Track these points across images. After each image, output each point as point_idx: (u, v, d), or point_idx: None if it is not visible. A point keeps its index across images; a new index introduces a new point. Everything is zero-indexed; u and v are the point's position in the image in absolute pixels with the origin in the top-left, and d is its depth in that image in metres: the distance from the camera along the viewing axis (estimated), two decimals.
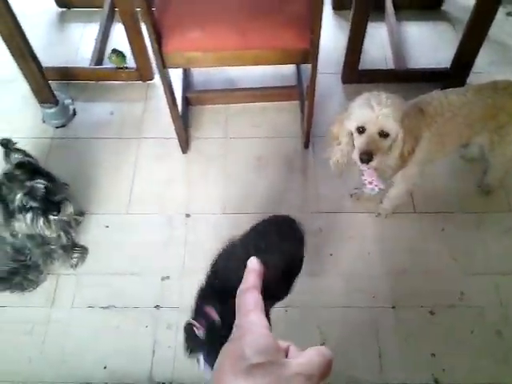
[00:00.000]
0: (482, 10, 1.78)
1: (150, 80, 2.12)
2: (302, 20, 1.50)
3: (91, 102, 2.10)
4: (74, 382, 1.48)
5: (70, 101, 2.04)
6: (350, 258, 1.69)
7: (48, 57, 2.02)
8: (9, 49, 1.73)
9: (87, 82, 2.14)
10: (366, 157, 1.23)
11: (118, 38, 2.25)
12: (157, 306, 1.60)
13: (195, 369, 0.85)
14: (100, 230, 1.76)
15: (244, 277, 0.46)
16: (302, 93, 2.03)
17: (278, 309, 1.56)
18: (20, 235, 1.38)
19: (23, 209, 1.28)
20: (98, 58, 2.15)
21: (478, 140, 1.57)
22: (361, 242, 1.72)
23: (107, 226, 1.77)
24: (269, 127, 2.01)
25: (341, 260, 1.69)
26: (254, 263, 0.47)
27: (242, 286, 0.45)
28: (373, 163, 1.25)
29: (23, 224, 1.28)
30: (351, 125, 1.28)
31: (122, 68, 2.07)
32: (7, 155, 1.31)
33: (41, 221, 1.29)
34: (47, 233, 1.35)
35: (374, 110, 1.21)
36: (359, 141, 1.26)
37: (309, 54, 1.51)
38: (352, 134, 1.31)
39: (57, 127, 2.00)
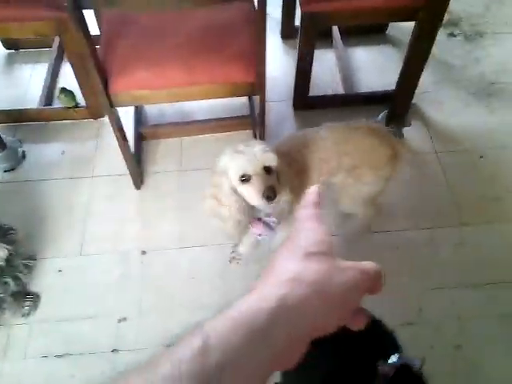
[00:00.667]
0: (422, 33, 1.84)
1: (101, 117, 2.10)
2: (248, 54, 1.52)
3: (41, 142, 2.07)
4: None
5: (18, 143, 2.00)
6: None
7: None
8: None
9: (37, 123, 2.11)
10: (272, 192, 1.11)
11: (68, 77, 2.24)
12: (114, 350, 1.55)
13: None
14: (53, 275, 1.71)
15: (304, 198, 0.47)
16: (255, 122, 2.05)
17: None
18: None
19: None
20: (48, 97, 2.13)
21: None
22: None
23: (60, 270, 1.72)
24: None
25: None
26: (313, 188, 0.48)
27: (301, 204, 0.46)
28: (280, 197, 1.17)
29: None
30: (233, 179, 1.17)
31: (71, 107, 2.05)
32: None
33: None
34: None
35: (248, 153, 1.14)
36: (251, 187, 1.14)
37: (256, 87, 1.53)
38: (235, 191, 1.19)
39: (5, 171, 1.95)
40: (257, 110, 2.07)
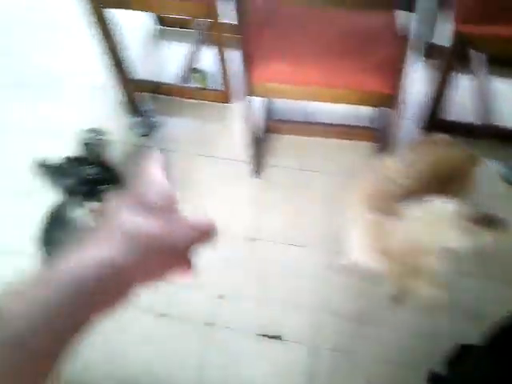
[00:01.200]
0: None
1: (232, 103, 2.19)
2: (388, 65, 1.51)
3: (174, 116, 2.19)
4: (118, 381, 1.51)
5: (154, 113, 2.13)
6: (411, 313, 1.63)
7: (140, 69, 2.13)
8: (108, 59, 1.85)
9: (172, 98, 2.24)
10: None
11: (206, 59, 2.35)
12: (209, 324, 1.62)
13: None
14: None
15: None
16: (380, 135, 2.02)
17: (324, 350, 1.53)
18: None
19: (72, 193, 1.36)
20: (185, 76, 2.25)
21: None
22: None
23: None
24: (343, 165, 2.01)
25: (401, 315, 1.63)
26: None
27: (149, 158, 0.48)
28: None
29: (76, 209, 1.34)
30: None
31: (204, 88, 2.15)
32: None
33: (79, 206, 1.35)
34: (87, 219, 1.38)
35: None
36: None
37: (391, 100, 1.52)
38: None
39: (142, 135, 2.10)
40: (384, 124, 2.06)
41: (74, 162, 1.37)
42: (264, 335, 1.59)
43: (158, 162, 0.47)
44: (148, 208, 0.40)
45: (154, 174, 0.44)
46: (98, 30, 1.75)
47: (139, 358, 1.56)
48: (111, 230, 0.38)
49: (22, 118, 2.21)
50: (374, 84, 1.52)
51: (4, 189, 1.95)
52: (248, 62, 1.52)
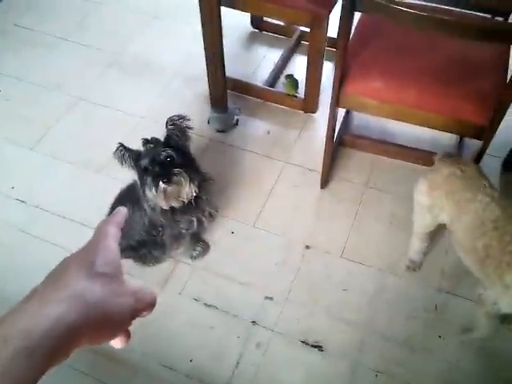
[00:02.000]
0: None
1: (313, 113, 2.22)
2: (486, 96, 1.47)
3: (253, 117, 2.26)
4: (158, 363, 1.58)
5: (237, 111, 2.22)
6: (459, 345, 1.58)
7: (230, 67, 2.22)
8: (205, 53, 1.96)
9: (256, 99, 2.31)
10: None
11: (295, 67, 2.41)
12: (253, 322, 1.65)
13: None
14: (225, 234, 1.87)
15: (111, 215, 0.52)
16: None
17: (366, 370, 1.51)
18: (157, 209, 1.52)
19: (145, 172, 1.40)
20: (273, 80, 2.32)
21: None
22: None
23: (232, 232, 1.87)
24: (412, 189, 1.97)
25: (449, 346, 1.58)
26: (122, 209, 0.52)
27: (107, 219, 0.50)
28: None
29: (147, 189, 1.39)
30: None
31: (290, 95, 2.20)
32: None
33: (153, 188, 1.37)
34: (157, 200, 1.41)
35: None
36: None
37: (483, 132, 1.48)
38: None
39: (218, 131, 2.18)
40: (466, 154, 2.00)
41: (150, 143, 1.44)
42: (305, 342, 1.60)
43: (120, 218, 0.51)
44: (96, 273, 0.42)
45: (108, 237, 0.47)
46: (205, 22, 1.84)
47: (180, 343, 1.62)
48: (63, 289, 0.40)
49: (109, 96, 2.38)
50: (469, 112, 1.49)
51: (83, 163, 2.11)
52: (342, 71, 1.54)
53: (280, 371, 1.56)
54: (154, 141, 1.45)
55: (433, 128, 1.64)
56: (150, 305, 0.47)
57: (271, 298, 1.70)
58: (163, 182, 1.37)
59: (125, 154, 1.41)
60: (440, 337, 1.60)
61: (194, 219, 1.63)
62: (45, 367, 0.36)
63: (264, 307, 1.69)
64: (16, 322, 0.37)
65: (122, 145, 1.41)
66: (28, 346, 0.35)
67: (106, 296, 0.42)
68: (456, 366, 1.54)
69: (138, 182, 1.46)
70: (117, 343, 0.46)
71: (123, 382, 1.57)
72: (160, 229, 1.64)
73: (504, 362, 1.55)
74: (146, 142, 1.44)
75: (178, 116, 1.46)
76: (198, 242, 1.79)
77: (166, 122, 1.46)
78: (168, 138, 1.45)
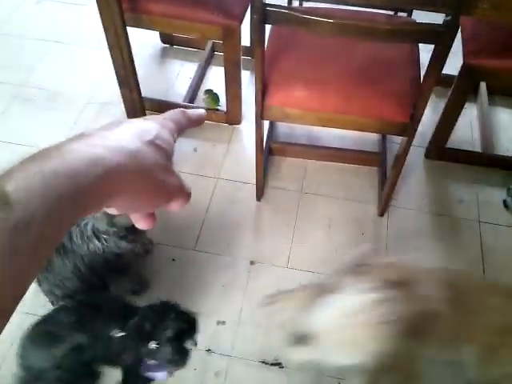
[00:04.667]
0: None
1: (237, 124, 2.19)
2: (405, 94, 1.51)
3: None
4: None
5: None
6: None
7: (146, 87, 2.13)
8: (117, 75, 1.86)
9: None
10: None
11: (212, 80, 2.36)
12: (208, 350, 1.58)
13: None
14: (166, 262, 1.78)
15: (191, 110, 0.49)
16: (384, 161, 2.03)
17: (329, 379, 1.50)
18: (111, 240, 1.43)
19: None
20: (192, 96, 2.25)
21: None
22: None
23: (173, 260, 1.79)
24: (345, 189, 2.01)
25: None
26: (202, 111, 0.50)
27: (186, 111, 0.49)
28: None
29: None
30: None
31: (212, 109, 2.15)
32: None
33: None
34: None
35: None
36: None
37: (406, 128, 1.52)
38: None
39: None
40: (388, 150, 2.07)
41: None
42: (264, 362, 1.56)
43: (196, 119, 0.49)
44: (153, 142, 0.40)
45: (176, 123, 0.46)
46: (112, 45, 1.74)
47: None
48: (115, 141, 0.37)
49: (15, 133, 2.19)
50: (391, 112, 1.52)
51: None
52: (263, 84, 1.52)
53: None
54: None
55: (358, 130, 1.66)
56: (188, 196, 0.45)
57: (223, 323, 1.65)
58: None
59: None
60: None
61: (138, 245, 1.54)
62: (76, 211, 0.33)
63: (217, 333, 1.63)
64: (65, 158, 0.34)
65: None
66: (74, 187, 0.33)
67: (156, 165, 0.39)
68: None
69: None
70: (142, 223, 0.44)
71: None
72: (100, 271, 1.52)
73: None
74: None
75: None
76: (137, 279, 1.69)
77: None
78: None
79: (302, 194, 1.99)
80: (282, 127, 2.20)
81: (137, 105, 1.97)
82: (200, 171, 2.05)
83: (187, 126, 0.48)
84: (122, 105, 2.01)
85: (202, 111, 0.50)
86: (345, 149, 2.08)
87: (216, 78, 2.33)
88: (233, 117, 2.16)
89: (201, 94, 2.22)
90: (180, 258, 1.80)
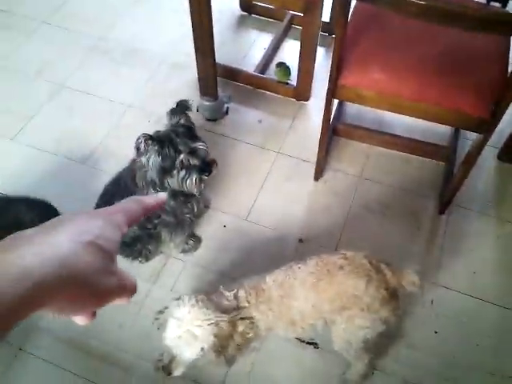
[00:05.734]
0: None
1: (305, 101, 2.16)
2: (488, 88, 1.43)
3: (244, 105, 2.19)
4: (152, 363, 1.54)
5: (227, 99, 2.14)
6: (455, 341, 1.57)
7: (220, 53, 2.13)
8: (194, 40, 1.87)
9: (246, 86, 2.23)
10: None
11: (286, 53, 2.33)
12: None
13: None
14: (217, 227, 1.82)
15: (148, 196, 0.49)
16: (452, 157, 1.94)
17: None
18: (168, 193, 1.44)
19: (184, 166, 1.36)
20: (263, 67, 2.24)
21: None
22: (472, 329, 1.59)
23: (225, 226, 1.82)
24: (406, 180, 1.95)
25: (443, 341, 1.57)
26: (162, 195, 0.50)
27: (139, 197, 0.48)
28: None
29: (176, 180, 1.37)
30: None
31: (283, 83, 2.13)
32: (174, 113, 1.40)
33: (194, 178, 1.37)
34: (194, 190, 1.41)
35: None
36: None
37: (484, 125, 1.43)
38: None
39: (207, 120, 2.11)
40: (460, 146, 1.97)
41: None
42: (300, 340, 1.57)
43: (143, 208, 0.47)
44: (92, 242, 0.39)
45: (123, 215, 0.44)
46: (194, 9, 1.75)
47: None
48: (49, 244, 0.36)
49: (92, 84, 2.28)
50: (469, 105, 1.44)
51: (66, 154, 2.03)
52: (340, 62, 1.48)
53: (275, 368, 1.53)
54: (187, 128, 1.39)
55: (431, 121, 1.59)
56: (131, 292, 0.43)
57: None
58: (206, 176, 1.40)
59: (150, 144, 1.32)
60: (436, 332, 1.58)
61: (195, 205, 1.57)
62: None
63: None
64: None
65: (149, 137, 1.32)
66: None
67: (93, 267, 0.38)
68: (451, 361, 1.53)
69: (155, 171, 1.37)
70: (81, 320, 0.42)
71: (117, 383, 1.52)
72: (156, 221, 1.57)
73: None
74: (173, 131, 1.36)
75: (186, 102, 1.42)
76: (190, 237, 1.73)
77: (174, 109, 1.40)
78: (186, 127, 1.40)
79: (361, 180, 1.95)
80: (351, 109, 2.14)
81: (210, 71, 1.98)
82: (262, 143, 2.05)
83: (142, 214, 0.47)
84: (195, 69, 2.03)
85: (163, 195, 0.50)
86: (413, 139, 2.00)
87: (290, 52, 2.30)
88: (302, 93, 2.13)
89: (273, 66, 2.20)
90: (231, 225, 1.82)
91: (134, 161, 1.47)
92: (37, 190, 1.89)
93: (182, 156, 1.34)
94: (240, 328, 1.27)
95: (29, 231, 0.37)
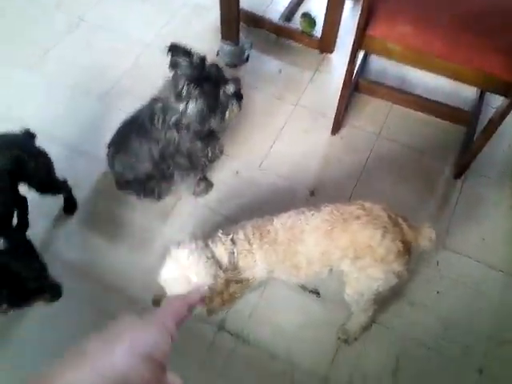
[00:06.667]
0: None
1: (329, 53, 2.10)
2: None
3: (265, 53, 2.14)
4: None
5: (248, 45, 2.09)
6: (457, 303, 1.58)
7: None
8: None
9: (269, 34, 2.18)
10: None
11: (313, 3, 2.26)
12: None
13: None
14: (229, 173, 1.82)
15: (191, 293, 0.52)
16: (474, 122, 1.90)
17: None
18: (189, 136, 1.45)
19: (232, 96, 1.39)
20: (288, 16, 2.18)
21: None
22: (475, 293, 1.59)
23: (237, 172, 1.82)
24: (424, 142, 1.91)
25: (445, 302, 1.58)
26: (202, 287, 0.54)
27: (181, 295, 0.50)
28: None
29: (218, 117, 1.39)
30: None
31: (307, 34, 2.07)
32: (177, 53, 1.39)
33: (234, 107, 1.40)
34: (232, 116, 1.43)
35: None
36: None
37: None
38: None
39: (227, 65, 2.07)
40: (483, 111, 1.92)
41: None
42: (304, 287, 1.58)
43: (186, 307, 0.49)
44: (148, 356, 0.40)
45: (172, 317, 0.45)
46: None
47: None
48: (108, 363, 0.38)
49: (112, 20, 2.24)
50: (499, 67, 1.39)
51: (84, 88, 2.01)
52: (369, 12, 1.43)
53: (276, 314, 1.55)
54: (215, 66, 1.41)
55: (458, 80, 1.54)
56: None
57: None
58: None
59: (192, 88, 1.31)
60: (438, 292, 1.59)
61: (210, 149, 1.57)
62: None
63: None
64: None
65: (192, 79, 1.31)
66: None
67: (147, 381, 0.40)
68: (451, 322, 1.54)
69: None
70: None
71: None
72: (170, 162, 1.57)
73: None
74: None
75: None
76: (202, 180, 1.73)
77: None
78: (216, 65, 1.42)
79: (378, 138, 1.92)
80: (375, 64, 2.09)
81: (233, 15, 1.93)
82: (281, 94, 2.02)
83: (189, 315, 0.48)
84: (218, 12, 1.97)
85: (204, 289, 0.53)
86: (435, 100, 1.95)
87: (316, 2, 2.22)
88: (326, 44, 2.07)
89: (298, 16, 2.14)
90: (243, 172, 1.82)
91: (153, 100, 1.45)
92: (51, 123, 1.90)
93: (228, 86, 1.35)
94: (231, 289, 1.27)
95: (89, 346, 0.39)
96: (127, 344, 0.39)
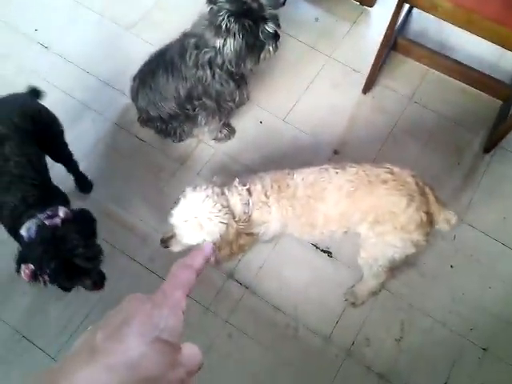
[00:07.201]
0: None
1: (369, 6, 1.99)
2: None
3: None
4: None
5: None
6: (469, 279, 1.56)
7: None
8: None
9: None
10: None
11: None
12: None
13: None
14: (253, 122, 1.77)
15: (192, 254, 0.46)
16: None
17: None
18: (221, 76, 1.40)
19: (272, 36, 1.33)
20: None
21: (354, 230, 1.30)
22: (488, 270, 1.57)
23: (261, 122, 1.77)
24: (457, 112, 1.83)
25: (457, 276, 1.56)
26: (207, 247, 0.47)
27: (187, 260, 0.46)
28: None
29: (255, 55, 1.34)
30: None
31: None
32: None
33: (272, 46, 1.34)
34: (268, 58, 1.38)
35: None
36: None
37: None
38: None
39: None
40: None
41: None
42: (316, 246, 1.57)
43: (190, 282, 0.44)
44: (159, 338, 0.38)
45: (177, 298, 0.42)
46: None
47: None
48: (119, 350, 0.36)
49: None
50: None
51: (113, 16, 1.93)
52: None
53: (285, 268, 1.56)
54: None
55: (506, 47, 1.44)
56: (196, 371, 0.42)
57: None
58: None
59: (232, 22, 1.23)
60: (452, 267, 1.57)
61: (237, 93, 1.50)
62: None
63: None
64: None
65: (232, 12, 1.23)
66: None
67: (161, 364, 0.38)
68: (460, 297, 1.53)
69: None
70: None
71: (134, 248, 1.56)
72: (196, 103, 1.51)
73: None
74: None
75: None
76: (225, 126, 1.68)
77: None
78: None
79: (410, 102, 1.84)
80: (416, 24, 1.98)
81: None
82: (315, 44, 1.93)
83: (196, 281, 0.45)
84: None
85: (208, 247, 0.47)
86: (475, 69, 1.85)
87: None
88: None
89: None
90: (267, 123, 1.77)
91: (185, 35, 1.38)
92: (75, 48, 1.84)
93: (269, 25, 1.28)
94: (242, 241, 1.26)
95: (98, 339, 0.37)
96: (138, 331, 0.38)
